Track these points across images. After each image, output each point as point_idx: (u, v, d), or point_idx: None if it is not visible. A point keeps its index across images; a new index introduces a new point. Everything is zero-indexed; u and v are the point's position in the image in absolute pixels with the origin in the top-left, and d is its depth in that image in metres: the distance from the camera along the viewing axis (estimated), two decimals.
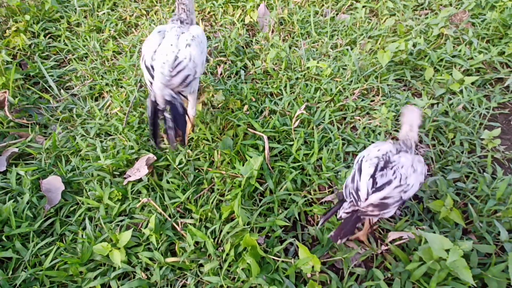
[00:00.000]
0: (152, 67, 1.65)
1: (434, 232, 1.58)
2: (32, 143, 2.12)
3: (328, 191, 1.82)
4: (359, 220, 1.39)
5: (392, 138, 2.06)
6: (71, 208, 1.83)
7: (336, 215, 1.43)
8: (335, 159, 1.94)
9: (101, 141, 2.14)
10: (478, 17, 2.76)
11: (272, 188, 1.81)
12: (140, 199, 1.77)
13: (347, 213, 1.38)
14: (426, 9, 2.99)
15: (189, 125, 2.05)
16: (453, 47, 2.53)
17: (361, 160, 1.46)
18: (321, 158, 1.91)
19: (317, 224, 1.74)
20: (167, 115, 1.65)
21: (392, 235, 1.56)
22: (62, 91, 2.49)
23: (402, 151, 1.49)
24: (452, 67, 2.40)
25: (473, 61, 2.38)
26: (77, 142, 2.10)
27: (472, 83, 2.31)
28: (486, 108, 2.15)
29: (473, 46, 2.50)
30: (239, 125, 2.10)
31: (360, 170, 1.42)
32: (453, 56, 2.46)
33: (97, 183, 1.89)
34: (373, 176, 1.37)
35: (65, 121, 2.33)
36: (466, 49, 2.47)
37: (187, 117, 1.93)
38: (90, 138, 2.16)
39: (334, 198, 1.75)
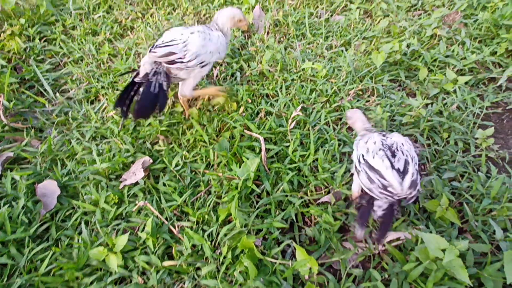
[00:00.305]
0: (155, 46, 1.79)
1: (431, 232, 1.59)
2: (27, 147, 2.11)
3: (325, 192, 1.83)
4: (393, 211, 1.45)
5: None
6: (67, 213, 1.82)
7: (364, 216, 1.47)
8: (331, 159, 1.95)
9: (97, 145, 2.13)
10: (470, 18, 2.79)
11: (269, 190, 1.81)
12: (137, 202, 1.76)
13: (384, 210, 1.43)
14: (419, 10, 3.02)
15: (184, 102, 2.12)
16: (446, 47, 2.55)
17: (365, 159, 1.48)
18: (317, 159, 1.92)
19: (314, 225, 1.74)
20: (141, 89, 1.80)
21: (390, 236, 1.56)
22: (57, 94, 2.48)
23: (386, 134, 1.59)
24: (446, 67, 2.43)
25: (466, 61, 2.40)
26: (73, 146, 2.09)
27: (466, 83, 2.33)
28: (480, 108, 2.17)
29: (466, 46, 2.52)
30: (235, 127, 2.10)
31: (371, 167, 1.44)
32: (447, 56, 2.48)
33: (93, 187, 1.88)
34: (392, 166, 1.41)
35: (61, 125, 2.32)
36: (459, 49, 2.50)
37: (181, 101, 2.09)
38: (86, 141, 2.15)
39: (330, 199, 1.76)
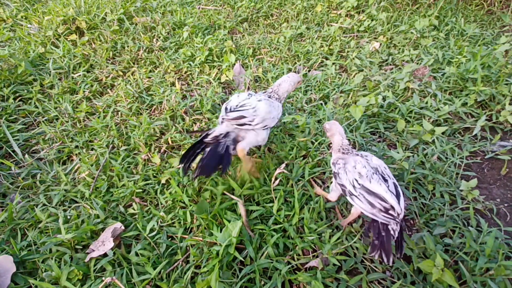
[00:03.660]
0: (227, 110, 1.91)
1: None
2: None
3: (312, 256, 1.69)
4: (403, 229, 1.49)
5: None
6: None
7: (390, 240, 1.45)
8: (317, 218, 1.85)
9: (64, 210, 1.96)
10: (438, 72, 2.97)
11: (252, 256, 1.66)
12: (103, 278, 1.55)
13: (399, 231, 1.46)
14: (390, 65, 3.20)
15: (244, 165, 2.04)
16: (420, 99, 2.66)
17: (360, 184, 1.52)
18: (303, 219, 1.81)
19: None
20: (207, 149, 1.85)
21: None
22: (26, 156, 2.34)
23: (363, 155, 1.67)
24: (422, 118, 2.49)
25: (440, 112, 2.49)
26: (36, 213, 1.90)
27: (443, 133, 2.38)
28: (460, 158, 2.19)
29: (438, 98, 2.64)
30: (216, 185, 2.00)
31: (370, 192, 1.49)
32: (421, 108, 2.57)
33: (55, 261, 1.67)
34: (388, 189, 1.48)
35: (27, 189, 2.15)
36: (432, 101, 2.60)
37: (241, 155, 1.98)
38: (52, 207, 1.97)
39: (318, 263, 1.62)
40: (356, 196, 1.54)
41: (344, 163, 1.65)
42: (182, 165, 1.84)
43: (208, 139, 1.86)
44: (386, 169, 1.61)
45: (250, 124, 1.88)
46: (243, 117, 1.86)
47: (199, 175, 1.78)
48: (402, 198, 1.48)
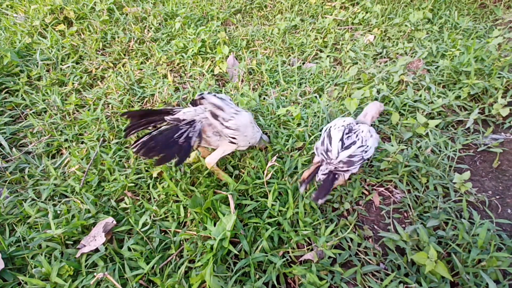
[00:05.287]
0: (216, 93, 1.83)
1: None
2: None
3: (307, 249, 1.69)
4: (334, 179, 1.65)
5: None
6: None
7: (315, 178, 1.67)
8: (311, 211, 1.84)
9: (54, 205, 1.91)
10: (432, 65, 2.96)
11: (247, 250, 1.65)
12: (95, 274, 1.53)
13: (324, 174, 1.64)
14: (384, 58, 3.19)
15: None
16: (414, 92, 2.65)
17: (329, 129, 1.75)
18: (297, 213, 1.80)
19: (299, 286, 1.57)
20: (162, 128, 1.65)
21: None
22: (14, 149, 2.28)
23: (359, 122, 1.85)
24: (416, 111, 2.49)
25: (433, 105, 2.49)
26: (25, 208, 1.85)
27: (436, 126, 2.39)
28: (453, 151, 2.20)
29: (432, 91, 2.64)
30: (209, 185, 1.98)
31: (329, 136, 1.71)
32: (415, 101, 2.57)
33: (45, 257, 1.63)
34: (341, 139, 1.66)
35: (15, 183, 2.09)
36: (425, 94, 2.60)
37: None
38: (42, 202, 1.93)
39: (313, 256, 1.62)
40: (320, 137, 1.80)
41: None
42: (129, 117, 1.63)
43: (169, 118, 1.63)
44: (363, 132, 1.73)
45: (222, 123, 1.69)
46: (222, 109, 1.68)
47: (141, 155, 1.53)
48: (346, 152, 1.62)
